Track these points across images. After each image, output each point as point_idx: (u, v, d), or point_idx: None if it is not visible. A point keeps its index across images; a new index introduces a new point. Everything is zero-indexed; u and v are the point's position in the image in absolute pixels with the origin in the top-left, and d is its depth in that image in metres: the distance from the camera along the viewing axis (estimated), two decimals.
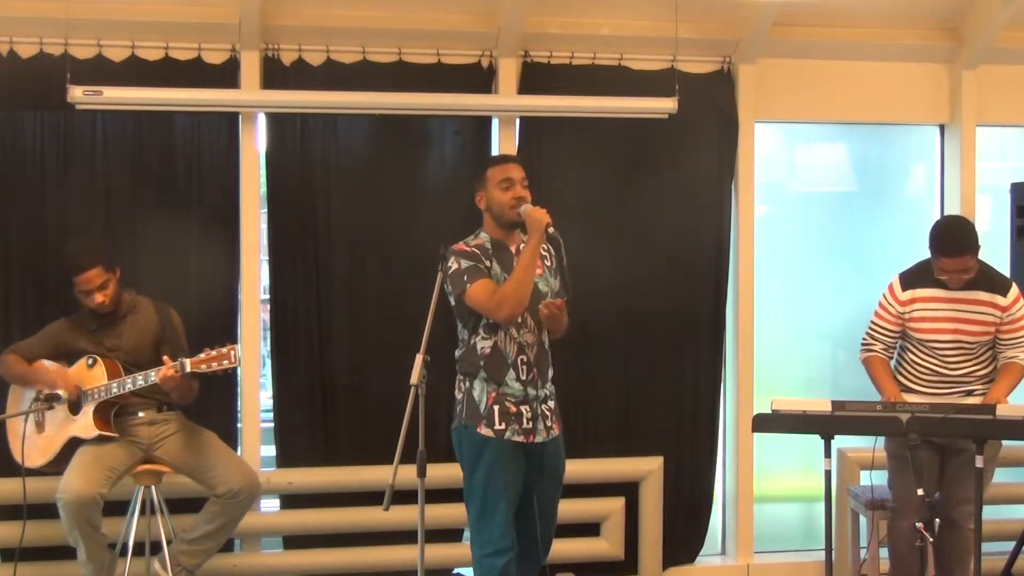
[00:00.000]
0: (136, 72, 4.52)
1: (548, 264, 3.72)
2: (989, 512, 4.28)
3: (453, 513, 4.16)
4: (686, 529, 5.03)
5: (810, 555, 5.17)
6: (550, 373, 3.73)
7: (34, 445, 4.18)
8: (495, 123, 4.86)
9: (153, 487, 4.17)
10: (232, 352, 3.89)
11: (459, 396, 3.66)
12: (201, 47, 4.58)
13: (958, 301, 4.21)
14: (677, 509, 4.98)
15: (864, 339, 4.43)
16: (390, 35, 4.69)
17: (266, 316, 4.86)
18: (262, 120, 4.71)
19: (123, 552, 4.22)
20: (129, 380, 4.03)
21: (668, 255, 4.93)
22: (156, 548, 4.24)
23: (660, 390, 4.95)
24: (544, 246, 3.66)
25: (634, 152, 4.92)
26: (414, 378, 3.34)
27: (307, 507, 4.70)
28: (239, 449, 4.65)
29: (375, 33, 4.68)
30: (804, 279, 5.40)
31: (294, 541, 4.74)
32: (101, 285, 4.09)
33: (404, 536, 4.45)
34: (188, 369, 3.92)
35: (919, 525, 3.91)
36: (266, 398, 4.92)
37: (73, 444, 4.11)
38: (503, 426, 3.57)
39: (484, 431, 3.57)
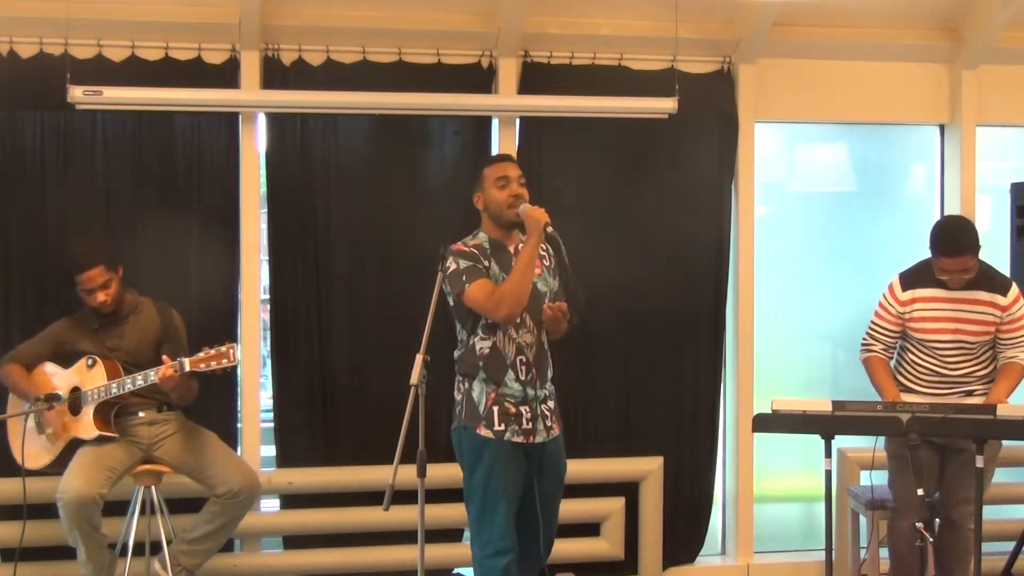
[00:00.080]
0: (136, 72, 4.52)
1: (547, 264, 3.72)
2: (989, 512, 4.28)
3: (453, 513, 4.16)
4: (686, 529, 5.03)
5: (810, 555, 5.17)
6: (550, 373, 3.73)
7: (35, 445, 4.18)
8: (495, 123, 4.85)
9: (153, 487, 4.17)
10: (231, 351, 3.89)
11: (458, 397, 3.66)
12: (201, 47, 4.58)
13: (958, 301, 4.20)
14: (677, 509, 4.98)
15: (864, 339, 4.43)
16: (390, 35, 4.69)
17: (266, 316, 4.85)
18: (262, 120, 4.71)
19: (123, 552, 4.22)
20: (129, 380, 4.03)
21: (668, 255, 4.93)
22: (156, 548, 4.24)
23: (660, 390, 4.95)
24: (543, 246, 3.66)
25: (634, 152, 4.91)
26: (414, 378, 3.34)
27: (307, 507, 4.70)
28: (239, 449, 4.65)
29: (375, 33, 4.67)
30: (804, 279, 5.39)
31: (294, 541, 4.74)
32: (103, 284, 4.09)
33: (404, 536, 4.44)
34: (187, 368, 3.91)
35: (919, 525, 3.90)
36: (266, 398, 4.92)
37: (74, 444, 4.11)
38: (503, 427, 3.56)
39: (484, 432, 3.56)
